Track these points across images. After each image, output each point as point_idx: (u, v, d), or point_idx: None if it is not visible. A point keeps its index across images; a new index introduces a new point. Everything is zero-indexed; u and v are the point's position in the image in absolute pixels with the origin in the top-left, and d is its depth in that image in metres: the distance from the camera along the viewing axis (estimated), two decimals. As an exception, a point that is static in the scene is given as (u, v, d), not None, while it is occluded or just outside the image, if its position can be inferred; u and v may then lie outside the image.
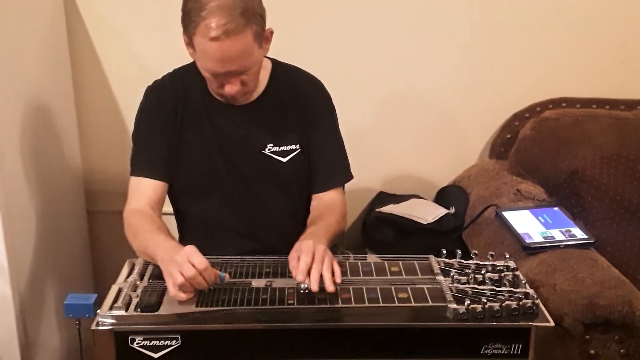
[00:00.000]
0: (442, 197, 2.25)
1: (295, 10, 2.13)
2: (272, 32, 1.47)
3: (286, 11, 2.09)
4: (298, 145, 1.59)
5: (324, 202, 1.60)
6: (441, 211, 2.11)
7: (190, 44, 1.43)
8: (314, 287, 1.28)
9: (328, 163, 1.61)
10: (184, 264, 1.26)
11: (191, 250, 1.29)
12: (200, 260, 1.27)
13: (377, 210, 2.18)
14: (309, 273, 1.29)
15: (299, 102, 1.59)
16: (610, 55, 2.24)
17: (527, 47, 2.22)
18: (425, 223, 2.06)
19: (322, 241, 1.39)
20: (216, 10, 1.34)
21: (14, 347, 1.71)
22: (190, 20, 1.37)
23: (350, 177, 1.66)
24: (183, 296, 1.27)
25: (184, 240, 1.67)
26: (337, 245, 1.81)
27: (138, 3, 2.13)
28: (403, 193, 2.28)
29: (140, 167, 1.55)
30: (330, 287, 1.28)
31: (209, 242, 1.58)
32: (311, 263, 1.30)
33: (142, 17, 2.14)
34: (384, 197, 2.28)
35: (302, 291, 1.29)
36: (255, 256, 1.47)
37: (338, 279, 1.31)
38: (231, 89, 1.45)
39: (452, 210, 2.12)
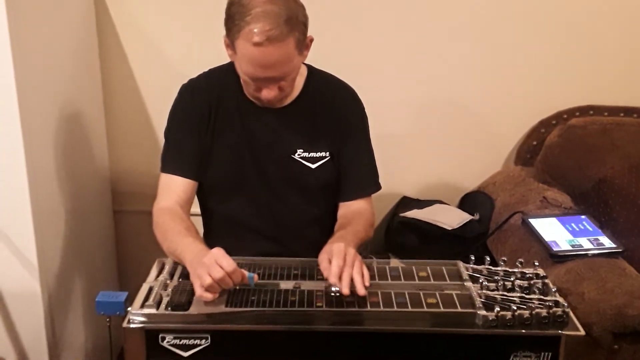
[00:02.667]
0: (467, 203, 2.25)
1: (329, 17, 2.13)
2: (312, 40, 1.48)
3: (321, 17, 2.09)
4: (328, 153, 1.59)
5: (352, 210, 1.61)
6: (466, 217, 2.10)
7: (231, 46, 1.43)
8: (346, 291, 1.28)
9: (359, 173, 1.62)
10: (212, 266, 1.27)
11: (219, 252, 1.30)
12: (229, 263, 1.28)
13: (401, 215, 2.17)
14: (340, 276, 1.30)
15: (333, 110, 1.59)
16: (638, 63, 2.22)
17: (554, 54, 2.21)
18: (450, 229, 2.06)
19: (351, 245, 1.39)
20: (261, 16, 1.34)
21: (42, 342, 1.74)
22: (234, 24, 1.38)
23: (379, 187, 1.67)
24: (209, 297, 1.28)
25: (209, 239, 1.68)
26: (361, 251, 1.82)
27: (168, 7, 2.14)
28: (427, 198, 2.28)
29: (171, 164, 1.56)
30: (361, 291, 1.29)
31: (233, 243, 1.59)
32: (343, 266, 1.31)
33: (172, 20, 2.16)
34: (407, 202, 2.28)
35: (332, 294, 1.29)
36: (282, 258, 1.47)
37: (367, 282, 1.31)
38: (269, 93, 1.46)
39: (477, 216, 2.11)
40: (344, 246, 1.35)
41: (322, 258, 1.36)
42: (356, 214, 1.58)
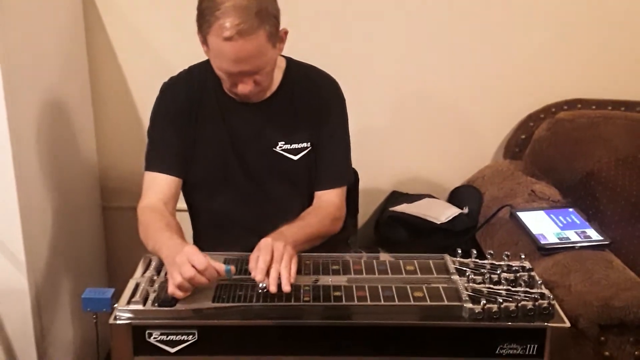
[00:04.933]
0: (456, 197, 2.25)
1: (312, 11, 2.13)
2: (286, 32, 1.48)
3: (303, 11, 2.10)
4: (309, 143, 1.59)
5: (319, 201, 1.60)
6: (454, 211, 2.11)
7: (204, 42, 1.43)
8: (272, 288, 1.27)
9: (330, 163, 1.60)
10: (183, 265, 1.26)
11: (191, 250, 1.28)
12: (200, 261, 1.26)
13: (390, 209, 2.18)
14: (268, 272, 1.28)
15: (311, 100, 1.59)
16: (626, 57, 2.23)
17: (542, 48, 2.22)
18: (439, 223, 2.07)
19: (288, 240, 1.37)
20: (230, 11, 1.34)
21: (30, 338, 1.73)
22: (204, 19, 1.38)
23: (349, 181, 1.66)
24: (180, 294, 1.27)
25: (197, 236, 1.69)
26: (349, 243, 1.82)
27: (156, 1, 2.14)
28: (416, 193, 2.28)
29: (154, 162, 1.56)
30: (286, 287, 1.27)
31: (221, 239, 1.60)
32: (270, 261, 1.29)
33: (160, 13, 2.15)
34: (397, 197, 2.28)
35: (260, 291, 1.28)
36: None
37: (292, 279, 1.29)
38: (244, 88, 1.46)
39: (466, 210, 2.12)
40: (272, 241, 1.33)
41: (253, 257, 1.33)
42: (317, 207, 1.57)
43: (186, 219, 1.66)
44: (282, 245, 1.33)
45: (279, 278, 1.28)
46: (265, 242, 1.33)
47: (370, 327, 1.26)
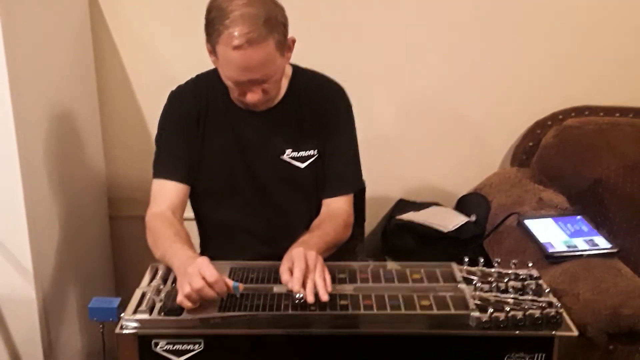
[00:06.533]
0: (463, 205, 2.24)
1: (319, 18, 2.14)
2: (294, 41, 1.48)
3: (310, 18, 2.10)
4: (316, 151, 1.59)
5: (330, 209, 1.60)
6: (462, 219, 2.10)
7: (213, 52, 1.44)
8: (310, 298, 1.27)
9: (338, 170, 1.60)
10: (194, 276, 1.26)
11: (203, 262, 1.29)
12: (211, 273, 1.26)
13: (397, 217, 2.17)
14: (304, 282, 1.29)
15: (318, 108, 1.59)
16: (634, 63, 2.23)
17: (549, 55, 2.21)
18: (446, 231, 2.06)
19: (313, 249, 1.37)
20: (239, 20, 1.35)
21: (37, 347, 1.73)
22: (213, 28, 1.39)
23: (358, 187, 1.66)
24: (189, 305, 1.27)
25: (205, 245, 1.69)
26: (356, 252, 1.81)
27: (162, 9, 2.15)
28: (424, 201, 2.28)
29: (162, 170, 1.56)
30: (324, 297, 1.27)
31: (228, 247, 1.60)
32: (305, 270, 1.30)
33: (166, 23, 2.16)
34: (404, 205, 2.28)
35: (296, 301, 1.28)
36: (276, 262, 1.46)
37: (329, 288, 1.30)
38: (253, 97, 1.46)
39: (473, 218, 2.11)
40: (303, 250, 1.33)
41: (284, 268, 1.33)
42: (329, 215, 1.57)
43: (193, 227, 1.66)
44: (314, 255, 1.34)
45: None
46: (297, 252, 1.33)
47: (377, 336, 1.26)
